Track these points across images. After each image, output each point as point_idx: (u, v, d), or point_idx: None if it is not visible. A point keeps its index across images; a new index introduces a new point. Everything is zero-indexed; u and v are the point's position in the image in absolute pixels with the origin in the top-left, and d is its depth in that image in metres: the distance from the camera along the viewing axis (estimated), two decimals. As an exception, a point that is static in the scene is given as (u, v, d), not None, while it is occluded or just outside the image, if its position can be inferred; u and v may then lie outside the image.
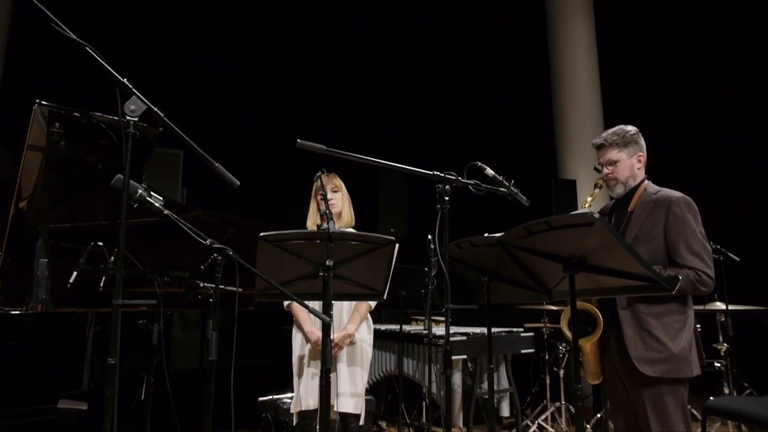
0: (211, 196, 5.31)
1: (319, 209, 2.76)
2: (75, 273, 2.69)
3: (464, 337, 3.47)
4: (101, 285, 2.73)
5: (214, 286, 1.95)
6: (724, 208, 6.09)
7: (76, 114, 2.45)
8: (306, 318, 2.73)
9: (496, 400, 3.89)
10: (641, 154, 2.30)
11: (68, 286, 2.68)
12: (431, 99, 6.58)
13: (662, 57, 7.18)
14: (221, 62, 5.61)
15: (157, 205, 1.75)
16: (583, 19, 6.32)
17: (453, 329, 3.66)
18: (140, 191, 1.70)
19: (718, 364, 3.76)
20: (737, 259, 3.56)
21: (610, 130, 2.33)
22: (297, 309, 2.76)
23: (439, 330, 3.65)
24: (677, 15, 7.13)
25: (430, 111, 6.55)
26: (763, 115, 7.04)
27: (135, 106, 1.45)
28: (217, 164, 1.70)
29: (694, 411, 3.70)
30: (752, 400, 3.10)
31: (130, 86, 1.45)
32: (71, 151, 2.64)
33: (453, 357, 3.35)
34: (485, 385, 3.43)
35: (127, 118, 1.43)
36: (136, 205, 1.70)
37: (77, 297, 2.74)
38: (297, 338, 2.78)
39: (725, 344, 3.77)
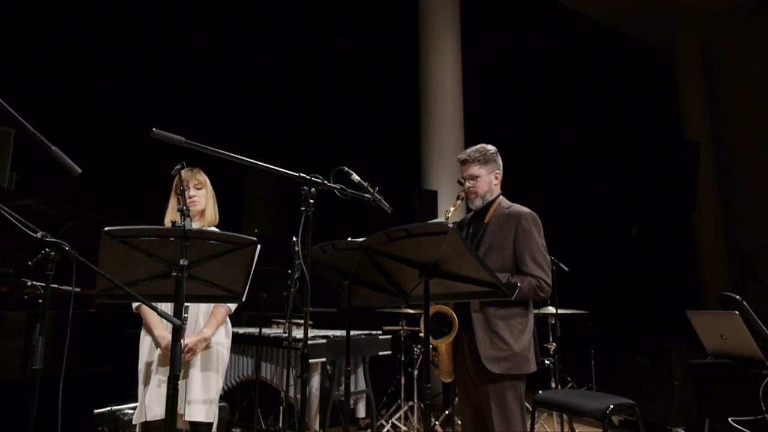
0: (50, 183, 4.68)
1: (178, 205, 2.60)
2: None
3: (324, 340, 3.48)
4: None
5: (44, 285, 1.72)
6: (556, 223, 6.92)
7: None
8: (157, 321, 2.53)
9: (352, 402, 3.97)
10: (498, 171, 2.51)
11: None
12: (302, 103, 6.54)
13: (518, 86, 7.98)
14: (69, 32, 4.99)
15: (-26, 189, 1.51)
16: (451, 41, 6.77)
17: (314, 332, 3.66)
18: (-48, 172, 1.45)
19: (548, 362, 4.24)
20: (566, 269, 4.05)
21: (473, 148, 2.51)
22: (147, 311, 2.55)
23: (299, 333, 3.61)
24: (534, 45, 7.97)
25: (301, 114, 6.51)
26: (598, 147, 8.15)
27: (-50, 72, 1.23)
28: (54, 147, 1.51)
29: (527, 404, 4.13)
30: (572, 392, 3.56)
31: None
32: None
33: (312, 360, 3.35)
34: (343, 387, 3.48)
35: (-62, 85, 1.22)
36: (-55, 188, 1.45)
37: None
38: (145, 343, 2.57)
39: (554, 344, 4.26)
